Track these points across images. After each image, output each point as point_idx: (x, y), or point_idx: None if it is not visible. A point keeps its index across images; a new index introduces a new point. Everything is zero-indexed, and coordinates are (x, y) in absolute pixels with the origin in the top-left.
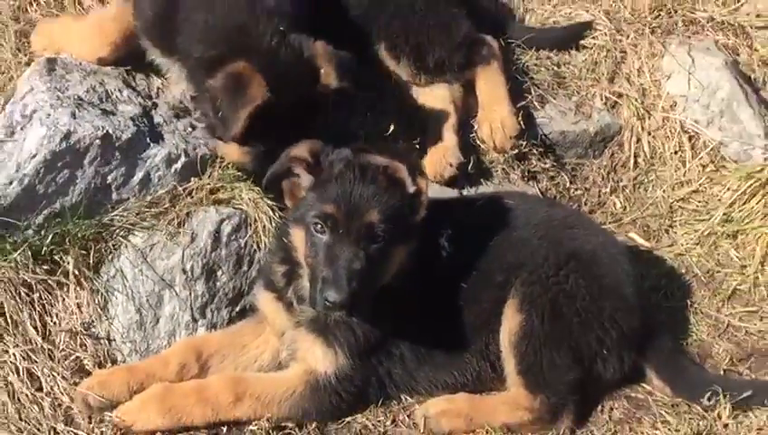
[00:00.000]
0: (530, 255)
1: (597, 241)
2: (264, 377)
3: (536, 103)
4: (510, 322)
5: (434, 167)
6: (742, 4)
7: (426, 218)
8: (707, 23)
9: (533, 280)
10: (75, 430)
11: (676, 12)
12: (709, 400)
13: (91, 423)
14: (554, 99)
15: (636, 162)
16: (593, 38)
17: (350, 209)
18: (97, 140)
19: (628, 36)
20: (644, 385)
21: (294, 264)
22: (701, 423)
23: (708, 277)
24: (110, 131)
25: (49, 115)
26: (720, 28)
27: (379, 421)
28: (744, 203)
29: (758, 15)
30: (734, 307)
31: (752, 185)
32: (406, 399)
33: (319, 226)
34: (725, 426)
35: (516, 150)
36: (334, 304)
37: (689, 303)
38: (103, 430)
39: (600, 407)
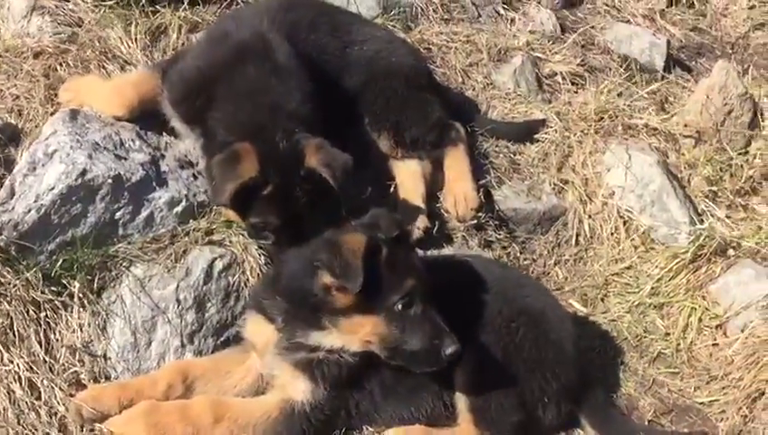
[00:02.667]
0: (484, 308)
1: (544, 301)
2: (243, 401)
3: (494, 183)
4: (465, 365)
5: None
6: (672, 115)
7: None
8: (643, 128)
9: (487, 330)
10: None
11: (617, 117)
12: None
13: (82, 432)
14: (510, 181)
15: (577, 240)
16: (545, 133)
17: (423, 276)
18: (109, 180)
19: (575, 134)
20: (579, 431)
21: (300, 314)
22: None
23: (637, 341)
24: (122, 173)
25: (68, 154)
26: (653, 134)
27: None
28: (671, 279)
29: (685, 125)
30: (658, 368)
31: (677, 264)
32: (366, 428)
33: (407, 300)
34: None
35: (475, 221)
36: (455, 353)
37: (619, 362)
38: None
39: None
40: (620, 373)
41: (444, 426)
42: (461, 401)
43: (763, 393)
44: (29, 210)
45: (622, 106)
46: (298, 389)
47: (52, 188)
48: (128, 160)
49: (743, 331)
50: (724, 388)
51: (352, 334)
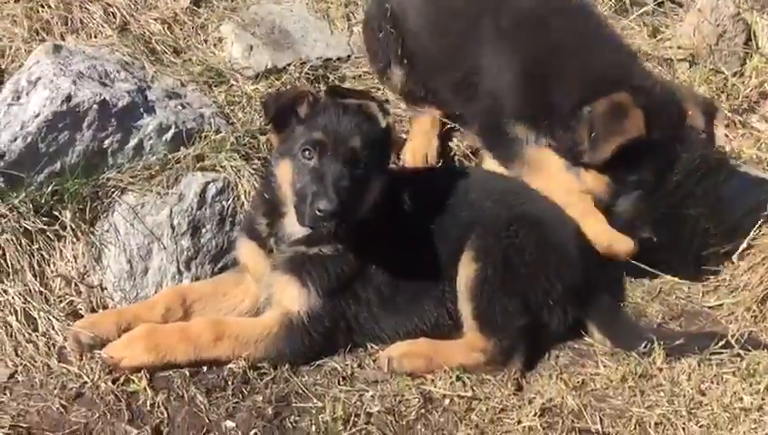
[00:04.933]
0: (483, 213)
1: (545, 205)
2: (243, 320)
3: None
4: (466, 270)
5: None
6: (666, 41)
7: (393, 178)
8: (638, 54)
9: (487, 234)
10: (67, 367)
11: None
12: (645, 347)
13: (81, 360)
14: None
15: None
16: None
17: (336, 135)
18: (95, 105)
19: None
20: (586, 338)
21: (276, 209)
22: (638, 367)
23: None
24: (107, 98)
25: (52, 81)
26: (647, 59)
27: (346, 364)
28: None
29: (679, 48)
30: (664, 277)
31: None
32: (370, 346)
33: (308, 151)
34: (660, 369)
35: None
36: (325, 212)
37: (623, 274)
38: (93, 366)
39: (546, 355)
40: (626, 283)
41: (447, 339)
42: (465, 308)
43: None
44: (15, 139)
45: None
46: (292, 297)
47: (38, 115)
48: (113, 88)
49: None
50: (732, 292)
51: (281, 188)
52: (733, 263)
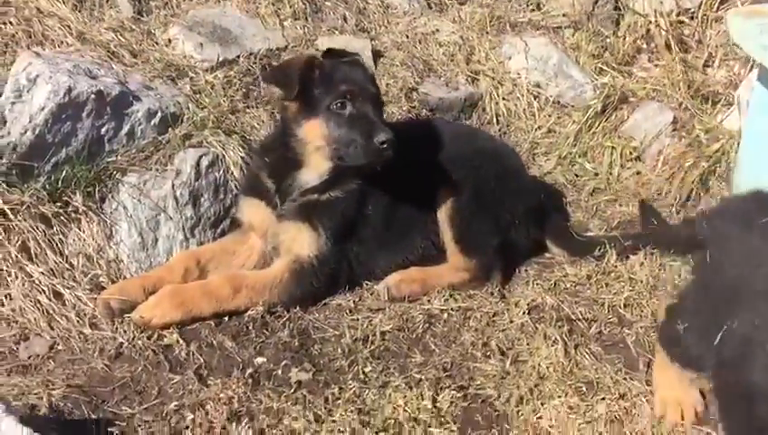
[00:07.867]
0: (450, 152)
1: (498, 142)
2: (256, 271)
3: (418, 81)
4: (444, 202)
5: None
6: (552, 10)
7: None
8: (527, 24)
9: (457, 169)
10: (101, 332)
11: (503, 18)
12: (599, 251)
13: (113, 325)
14: (429, 78)
15: (498, 119)
16: (447, 37)
17: (358, 84)
18: (92, 95)
19: (471, 37)
20: (546, 254)
21: (291, 165)
22: (597, 267)
23: (572, 184)
24: (102, 89)
25: (51, 77)
26: (537, 27)
27: (348, 300)
28: (588, 130)
29: (564, 15)
30: (597, 199)
31: (590, 115)
32: (365, 283)
33: (341, 103)
34: (615, 266)
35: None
36: (388, 141)
37: (564, 200)
38: (125, 329)
39: (517, 270)
40: (567, 206)
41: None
42: (447, 235)
43: (690, 195)
44: (25, 131)
45: (504, 11)
46: (303, 242)
47: (44, 108)
48: (101, 81)
49: (660, 154)
50: (655, 200)
51: (310, 144)
52: (650, 181)
